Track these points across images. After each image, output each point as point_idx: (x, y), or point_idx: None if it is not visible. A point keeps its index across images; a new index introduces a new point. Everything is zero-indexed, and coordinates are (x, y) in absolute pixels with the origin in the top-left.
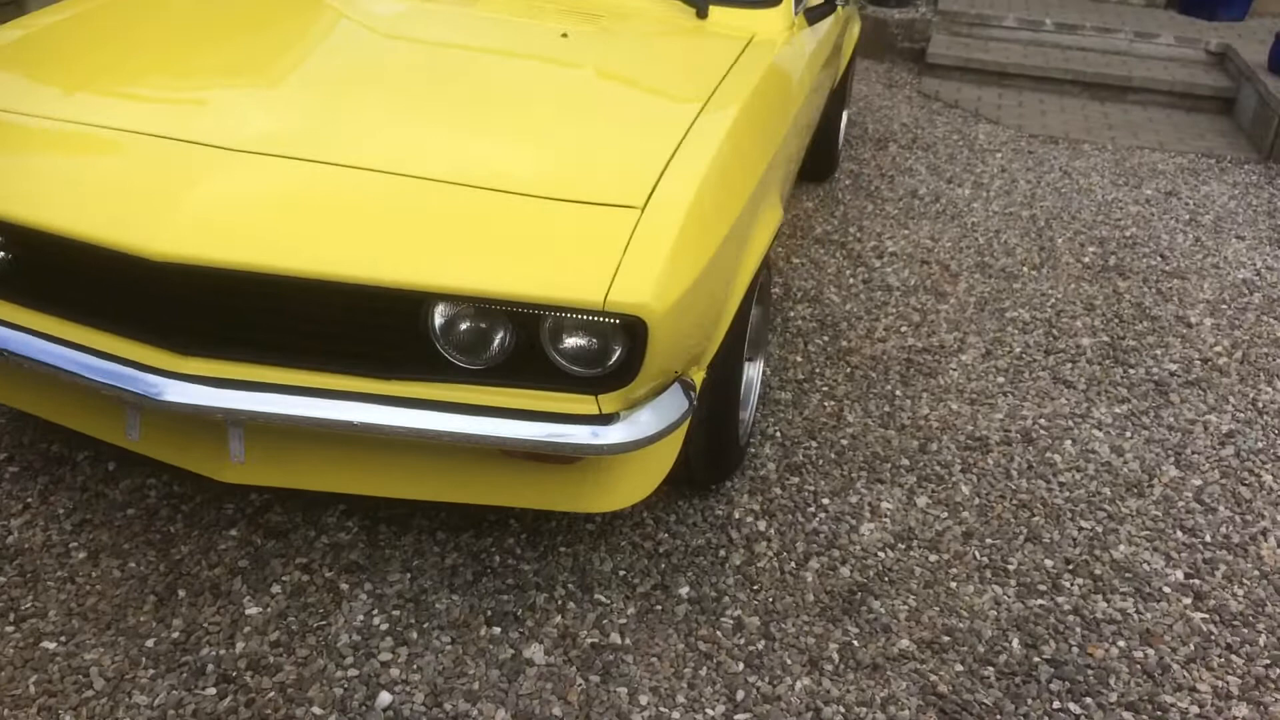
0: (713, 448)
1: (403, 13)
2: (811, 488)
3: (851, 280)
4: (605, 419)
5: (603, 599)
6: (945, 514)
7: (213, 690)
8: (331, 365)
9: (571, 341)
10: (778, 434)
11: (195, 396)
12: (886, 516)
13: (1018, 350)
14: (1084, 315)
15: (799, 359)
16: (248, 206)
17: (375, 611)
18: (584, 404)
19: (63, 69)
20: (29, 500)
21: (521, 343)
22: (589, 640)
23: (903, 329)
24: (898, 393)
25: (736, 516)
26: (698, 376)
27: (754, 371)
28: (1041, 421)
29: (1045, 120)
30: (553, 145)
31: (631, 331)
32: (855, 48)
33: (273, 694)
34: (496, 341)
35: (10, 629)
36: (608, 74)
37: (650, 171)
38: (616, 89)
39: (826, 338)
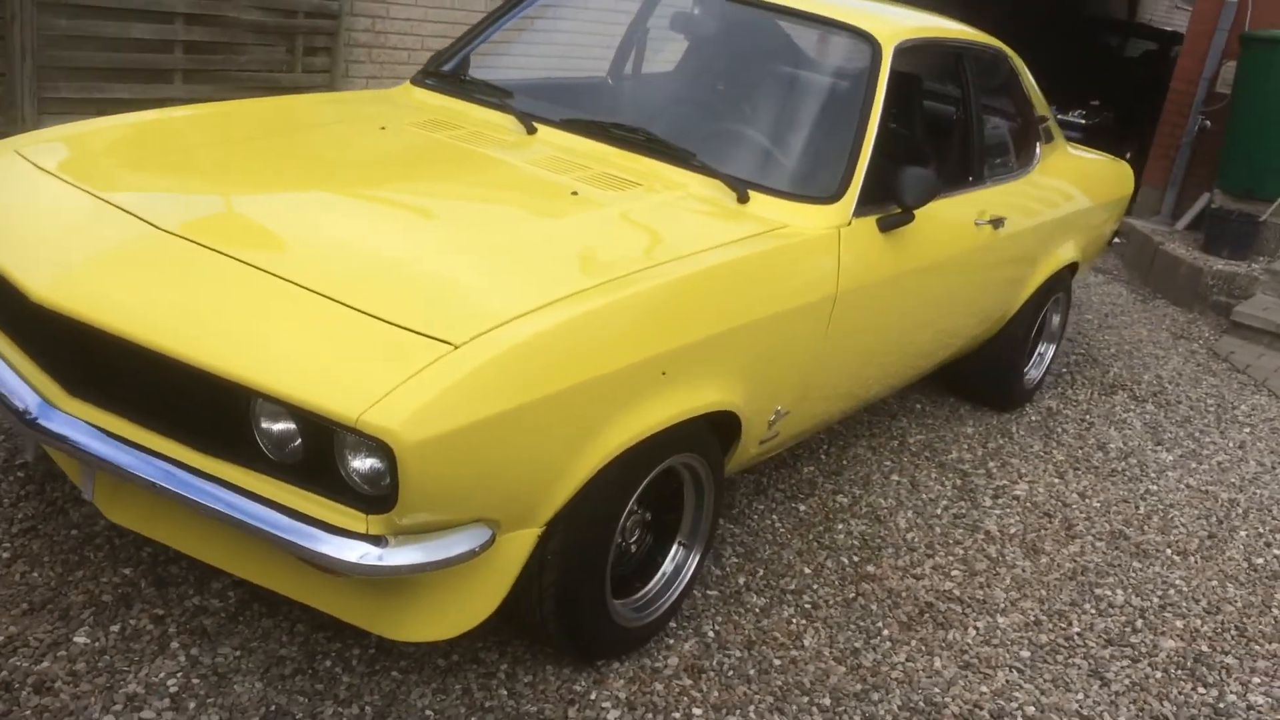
0: (566, 618)
1: (425, 144)
2: (698, 695)
3: (939, 513)
4: (372, 539)
5: None
6: None
7: None
8: (169, 430)
9: (356, 459)
10: (712, 631)
11: (58, 427)
12: None
13: (1075, 630)
14: (1196, 615)
15: (806, 570)
16: (129, 275)
17: (179, 675)
18: (354, 520)
19: (95, 151)
20: (3, 501)
21: (320, 449)
22: None
23: (954, 573)
24: (885, 632)
25: (592, 698)
26: (526, 533)
27: (684, 559)
28: (1030, 710)
29: None
30: (432, 275)
31: (391, 457)
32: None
33: (29, 715)
34: (297, 442)
35: None
36: (561, 230)
37: (496, 318)
38: (551, 241)
39: (857, 558)
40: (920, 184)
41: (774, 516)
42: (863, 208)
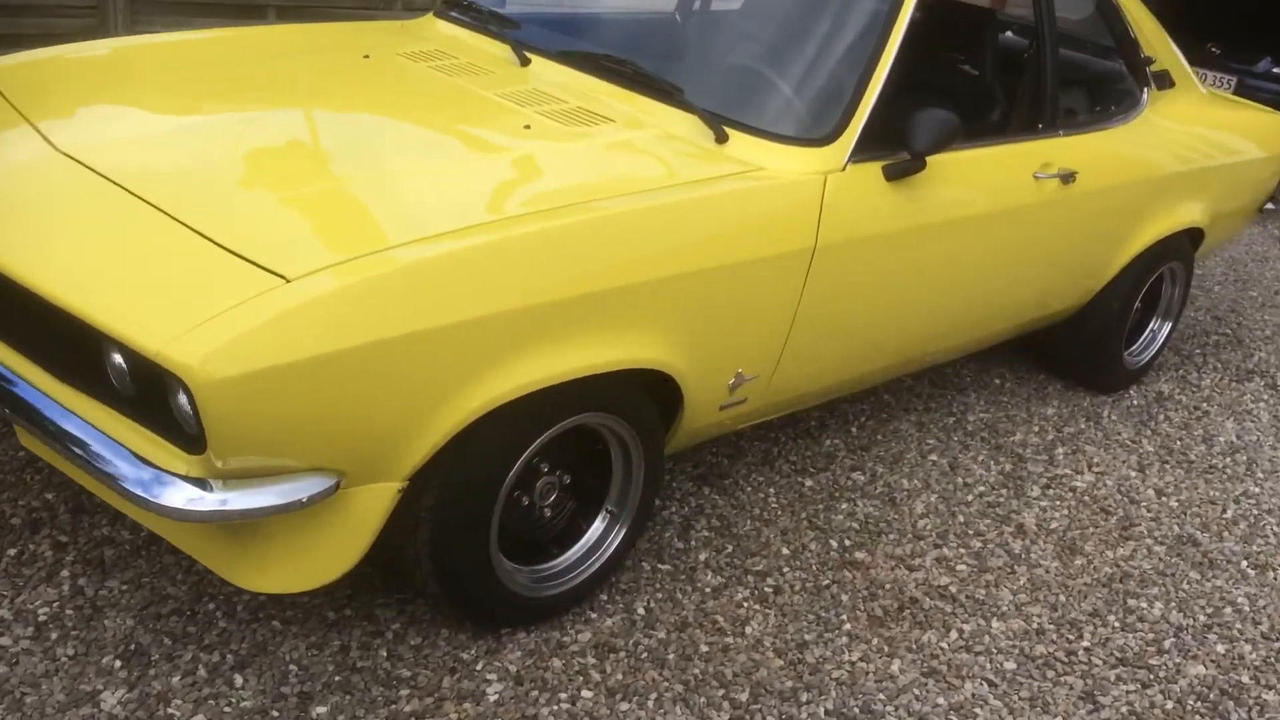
0: (445, 580)
1: (397, 74)
2: (596, 676)
3: (969, 500)
4: (196, 481)
5: (239, 683)
6: None
7: None
8: (37, 357)
9: (175, 395)
10: (643, 608)
11: None
12: None
13: (1084, 644)
14: (1248, 640)
15: (784, 551)
16: (26, 208)
17: (54, 604)
18: (178, 461)
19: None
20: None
21: (152, 384)
22: (163, 711)
23: (959, 567)
24: (847, 626)
25: (478, 668)
26: (383, 486)
27: (609, 528)
28: None
29: None
30: (309, 206)
31: (190, 394)
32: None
33: None
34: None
35: None
36: (486, 165)
37: (344, 253)
38: (465, 176)
39: (849, 543)
40: (934, 127)
41: (771, 489)
42: (868, 152)
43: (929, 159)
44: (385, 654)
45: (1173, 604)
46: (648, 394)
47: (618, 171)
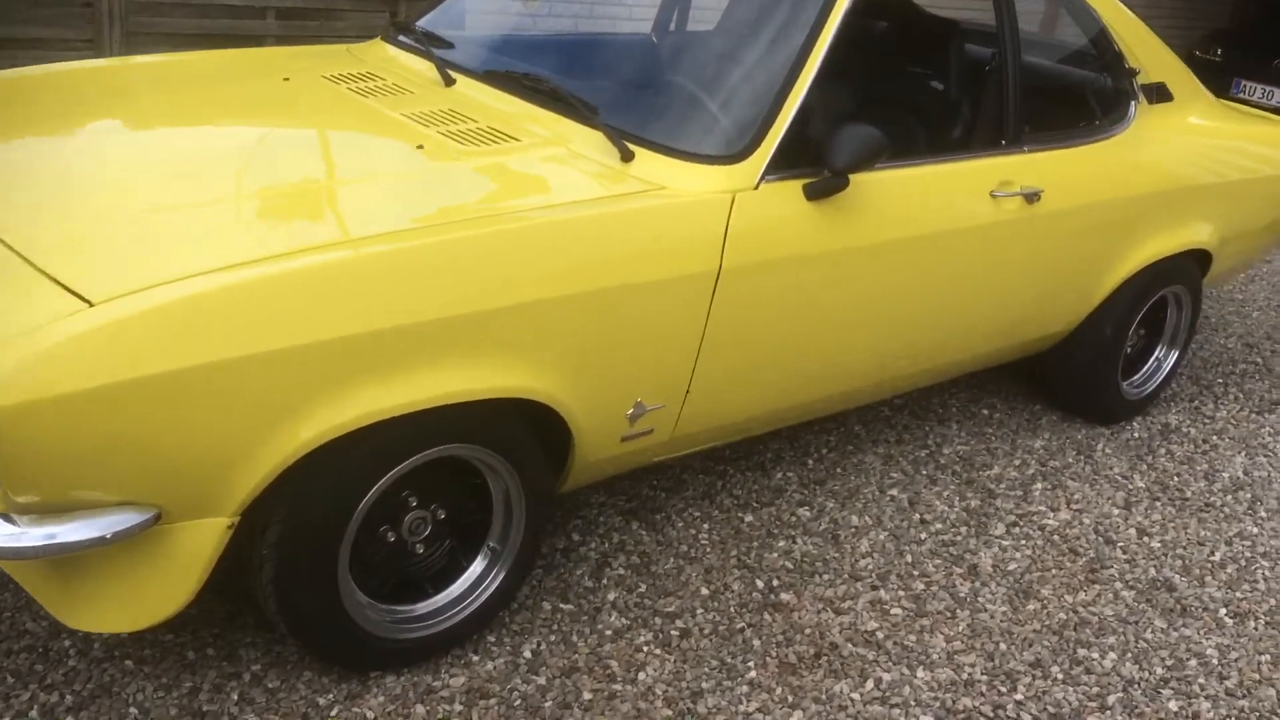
0: (292, 620)
1: (308, 96)
2: None
3: (922, 538)
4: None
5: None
6: None
7: None
8: None
9: None
10: (530, 651)
11: None
12: None
13: (1016, 698)
14: (1209, 696)
15: (703, 591)
16: None
17: None
18: None
19: None
20: None
21: None
22: None
23: (893, 611)
24: (752, 674)
25: (332, 714)
26: (211, 522)
27: (490, 567)
28: None
29: None
30: (142, 228)
31: None
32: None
33: None
34: None
35: None
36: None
37: (158, 277)
38: (323, 198)
39: (777, 583)
40: (856, 143)
41: (706, 525)
42: (791, 170)
43: (866, 178)
44: (237, 697)
45: (1129, 655)
46: (527, 425)
47: (499, 191)
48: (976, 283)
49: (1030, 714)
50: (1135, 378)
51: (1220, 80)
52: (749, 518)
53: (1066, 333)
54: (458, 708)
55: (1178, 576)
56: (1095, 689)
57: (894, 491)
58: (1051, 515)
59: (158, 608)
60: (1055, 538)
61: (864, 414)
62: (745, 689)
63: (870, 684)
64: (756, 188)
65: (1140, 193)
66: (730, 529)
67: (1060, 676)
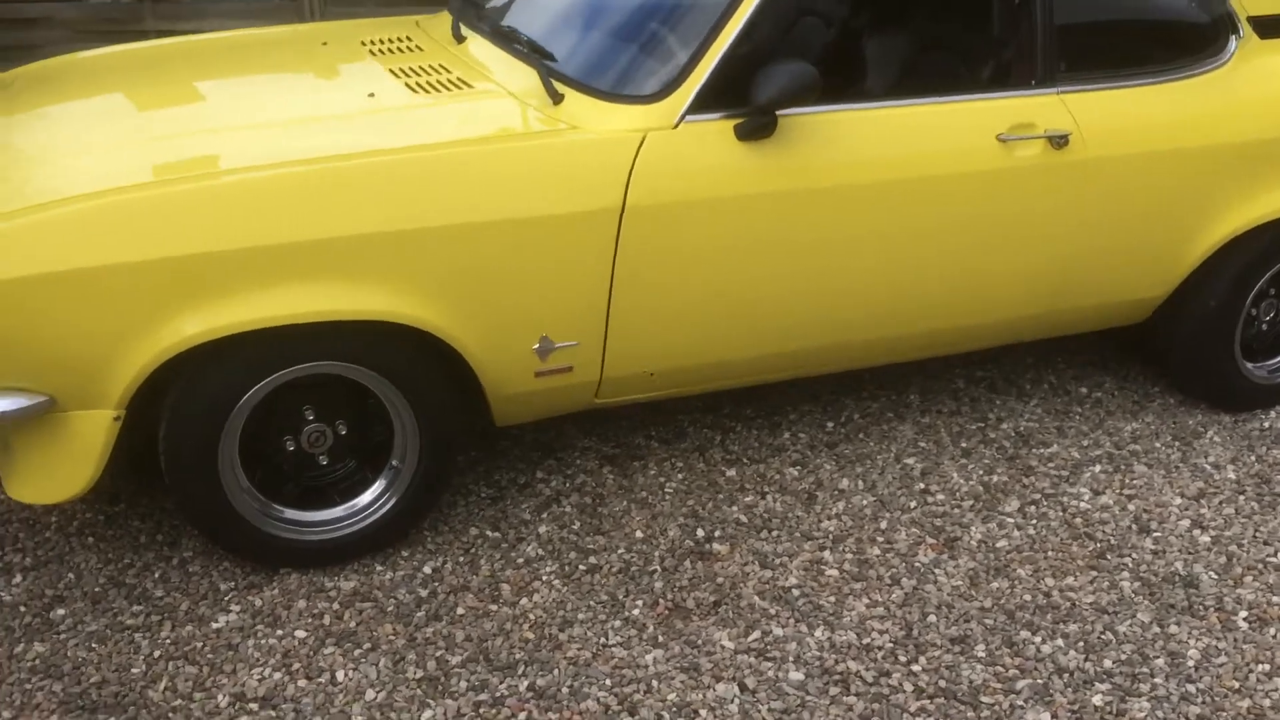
0: (188, 512)
1: (327, 57)
2: (327, 622)
3: (910, 506)
4: None
5: (17, 580)
6: None
7: None
8: None
9: None
10: (430, 568)
11: None
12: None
13: (913, 668)
14: (1149, 695)
15: (636, 535)
16: None
17: None
18: None
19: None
20: None
21: None
22: None
23: (828, 573)
24: (634, 613)
25: (226, 600)
26: (99, 413)
27: (386, 485)
28: None
29: None
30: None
31: None
32: None
33: None
34: None
35: None
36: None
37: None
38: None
39: (719, 533)
40: (781, 78)
41: (680, 476)
42: (726, 111)
43: (825, 119)
44: (158, 576)
45: (1081, 645)
46: (423, 354)
47: (417, 132)
48: (981, 237)
49: (916, 685)
50: (1272, 361)
51: None
52: (731, 472)
53: (1157, 301)
54: (335, 606)
55: (1210, 574)
56: (1012, 672)
57: (910, 460)
58: (1089, 499)
59: (65, 486)
60: (1077, 520)
61: (928, 383)
62: (618, 624)
63: (755, 635)
64: (675, 127)
65: (1233, 141)
66: (704, 481)
67: (982, 655)
